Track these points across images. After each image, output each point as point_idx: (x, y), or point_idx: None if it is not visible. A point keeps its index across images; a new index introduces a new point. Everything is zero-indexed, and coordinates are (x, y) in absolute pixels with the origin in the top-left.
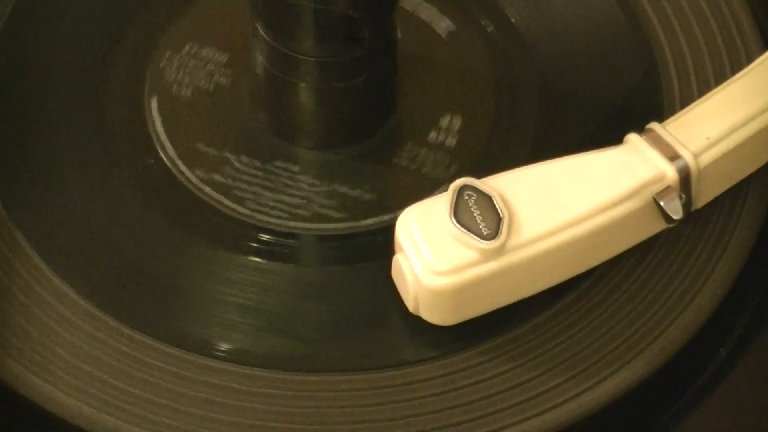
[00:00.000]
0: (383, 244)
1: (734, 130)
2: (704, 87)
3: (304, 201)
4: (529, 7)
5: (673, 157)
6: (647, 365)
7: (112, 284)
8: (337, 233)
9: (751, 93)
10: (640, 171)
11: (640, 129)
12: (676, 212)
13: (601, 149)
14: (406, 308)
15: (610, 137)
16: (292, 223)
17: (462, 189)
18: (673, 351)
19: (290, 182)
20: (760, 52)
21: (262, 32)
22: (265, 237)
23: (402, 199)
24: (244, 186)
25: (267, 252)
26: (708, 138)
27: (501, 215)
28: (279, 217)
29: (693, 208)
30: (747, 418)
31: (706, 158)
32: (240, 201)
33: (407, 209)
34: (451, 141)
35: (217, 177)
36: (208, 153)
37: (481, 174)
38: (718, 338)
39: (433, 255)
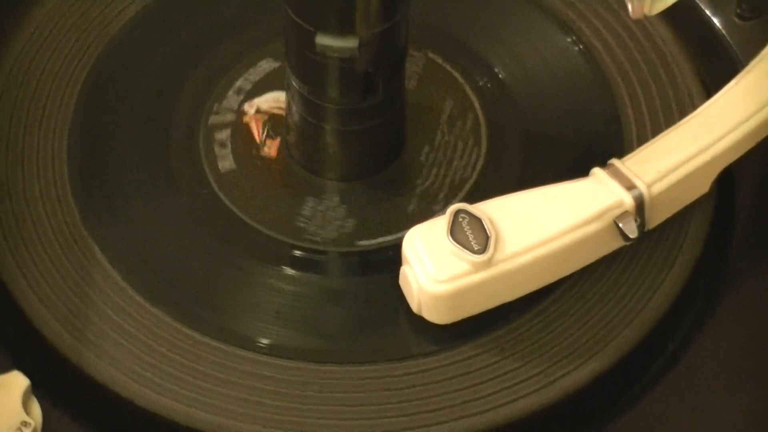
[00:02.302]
0: (393, 258)
1: (680, 165)
2: (656, 129)
3: (329, 223)
4: (514, 66)
5: (630, 187)
6: (610, 357)
7: (169, 290)
8: (355, 249)
9: (694, 135)
10: (602, 198)
11: (603, 164)
12: (632, 232)
13: (571, 180)
14: (411, 310)
15: (579, 170)
16: (319, 242)
17: (457, 212)
18: (631, 346)
19: (318, 208)
20: (702, 101)
21: (295, 85)
22: (297, 253)
23: (408, 221)
24: (279, 211)
25: (298, 265)
26: (659, 171)
27: (489, 234)
28: (308, 237)
29: (646, 229)
30: (690, 397)
31: (657, 188)
32: (275, 223)
33: (412, 229)
34: (449, 173)
35: (258, 203)
36: (250, 184)
37: (473, 200)
38: (667, 336)
39: (433, 266)
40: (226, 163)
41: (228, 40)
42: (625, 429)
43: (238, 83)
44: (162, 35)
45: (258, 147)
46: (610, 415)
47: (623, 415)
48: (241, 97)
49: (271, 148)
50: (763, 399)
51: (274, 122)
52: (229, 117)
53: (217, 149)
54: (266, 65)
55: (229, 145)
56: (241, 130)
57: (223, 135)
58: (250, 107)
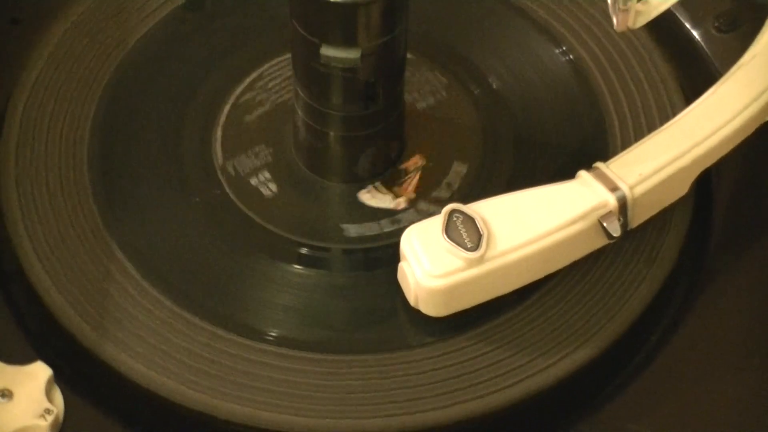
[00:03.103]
0: (392, 255)
1: (661, 168)
2: (639, 134)
3: (333, 222)
4: (507, 76)
5: (613, 188)
6: (596, 348)
7: (184, 285)
8: (357, 247)
9: (674, 140)
10: (588, 199)
11: (588, 167)
12: (616, 231)
13: (559, 182)
14: (408, 303)
15: (566, 173)
16: (324, 240)
17: (452, 212)
18: (615, 337)
19: (322, 208)
20: (682, 108)
21: (301, 93)
22: (303, 251)
23: (406, 221)
24: (286, 211)
25: (305, 262)
26: (641, 174)
27: (482, 233)
28: (314, 235)
29: (629, 228)
30: (671, 386)
31: (639, 190)
32: (283, 223)
33: (410, 227)
34: (445, 176)
35: (267, 204)
36: (260, 186)
37: (467, 200)
38: (649, 328)
39: (429, 263)
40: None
41: (231, 58)
42: (611, 416)
43: (245, 98)
44: (174, 49)
45: None
46: (596, 402)
47: (609, 403)
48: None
49: None
50: (738, 387)
51: None
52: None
53: None
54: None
55: None
56: None
57: None
58: None
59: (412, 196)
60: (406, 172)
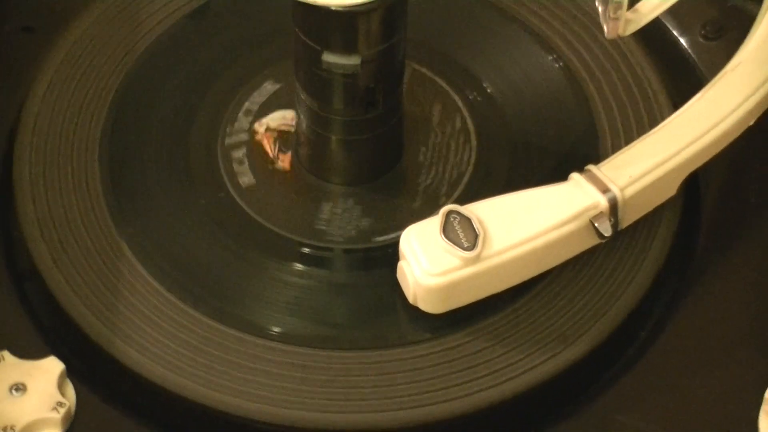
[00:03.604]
0: (392, 254)
1: (651, 170)
2: (629, 138)
3: (336, 223)
4: (501, 82)
5: (605, 190)
6: (590, 343)
7: (191, 284)
8: (358, 247)
9: (663, 144)
10: (580, 200)
11: (580, 169)
12: (607, 231)
13: (552, 184)
14: (407, 301)
15: (559, 175)
16: (327, 240)
17: (449, 213)
18: (607, 333)
19: (326, 210)
20: (670, 112)
21: (304, 99)
22: (306, 250)
23: (405, 221)
24: (290, 212)
25: (307, 261)
26: (631, 176)
27: (478, 233)
28: (316, 236)
29: (620, 228)
30: (660, 379)
31: (630, 191)
32: (287, 223)
33: (409, 228)
34: (443, 177)
35: (270, 205)
36: (264, 188)
37: (464, 202)
38: (640, 324)
39: (427, 262)
40: (245, 178)
41: (233, 67)
42: (602, 408)
43: (246, 105)
44: (181, 56)
45: (272, 161)
46: (587, 396)
47: (599, 396)
48: (251, 117)
49: (284, 162)
50: (722, 381)
51: (283, 138)
52: (243, 137)
53: (235, 166)
54: (270, 87)
55: (246, 162)
56: (254, 147)
57: (239, 153)
58: (260, 126)
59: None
60: (406, 174)
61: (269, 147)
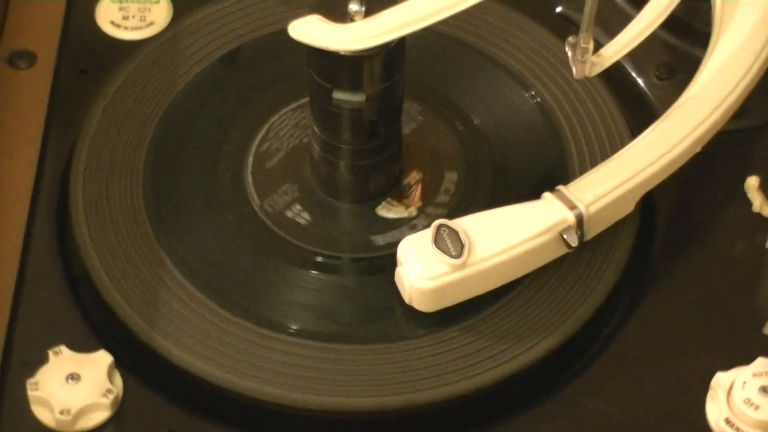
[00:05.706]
0: (391, 262)
1: (612, 190)
2: (593, 163)
3: (343, 236)
4: (486, 114)
5: (572, 207)
6: (561, 337)
7: (222, 288)
8: (363, 256)
9: (623, 167)
10: (551, 216)
11: (552, 189)
12: (574, 242)
13: (527, 202)
14: (404, 301)
15: (534, 194)
16: (337, 250)
17: (439, 226)
18: (576, 328)
19: (334, 224)
20: (629, 141)
21: (316, 130)
22: (319, 259)
23: (402, 234)
24: (304, 226)
25: (320, 268)
26: (595, 195)
27: (464, 243)
28: (328, 246)
29: (585, 239)
30: (620, 371)
31: (594, 208)
32: (302, 236)
33: (405, 239)
34: (436, 197)
35: (288, 220)
36: (282, 206)
37: (452, 216)
38: (603, 322)
39: (421, 268)
40: None
41: (257, 103)
42: (571, 395)
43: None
44: (211, 96)
45: None
46: (559, 383)
47: (569, 384)
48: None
49: None
50: (676, 370)
51: None
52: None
53: None
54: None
55: None
56: None
57: None
58: None
59: (419, 204)
60: (408, 188)
61: None
